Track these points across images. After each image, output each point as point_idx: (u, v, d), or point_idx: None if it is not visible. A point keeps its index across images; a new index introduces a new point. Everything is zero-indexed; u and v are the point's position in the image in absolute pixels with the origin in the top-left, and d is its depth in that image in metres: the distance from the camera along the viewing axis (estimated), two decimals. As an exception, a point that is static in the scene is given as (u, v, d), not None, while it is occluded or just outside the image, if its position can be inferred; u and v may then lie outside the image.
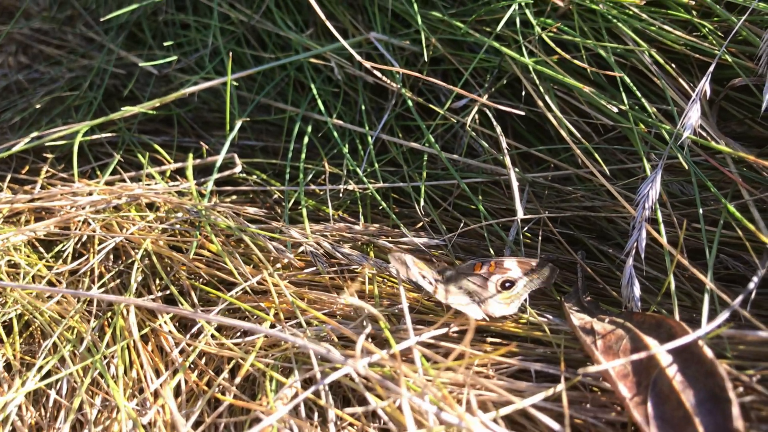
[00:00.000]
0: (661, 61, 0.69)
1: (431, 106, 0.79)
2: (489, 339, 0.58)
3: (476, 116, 0.78)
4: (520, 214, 0.64)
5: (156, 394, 0.57)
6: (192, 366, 0.60)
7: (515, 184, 0.67)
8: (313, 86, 0.85)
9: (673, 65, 0.71)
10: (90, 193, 0.76)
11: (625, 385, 0.48)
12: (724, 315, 0.50)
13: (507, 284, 0.62)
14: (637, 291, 0.57)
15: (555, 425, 0.46)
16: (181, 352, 0.61)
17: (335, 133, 0.81)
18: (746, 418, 0.47)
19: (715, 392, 0.46)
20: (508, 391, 0.52)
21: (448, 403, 0.45)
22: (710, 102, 0.71)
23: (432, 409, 0.45)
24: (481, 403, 0.51)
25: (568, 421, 0.46)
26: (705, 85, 0.63)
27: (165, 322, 0.63)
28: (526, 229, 0.70)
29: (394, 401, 0.48)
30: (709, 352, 0.48)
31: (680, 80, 0.70)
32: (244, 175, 0.82)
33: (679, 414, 0.45)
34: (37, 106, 0.92)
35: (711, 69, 0.64)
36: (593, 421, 0.49)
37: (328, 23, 0.78)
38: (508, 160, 0.69)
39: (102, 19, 0.94)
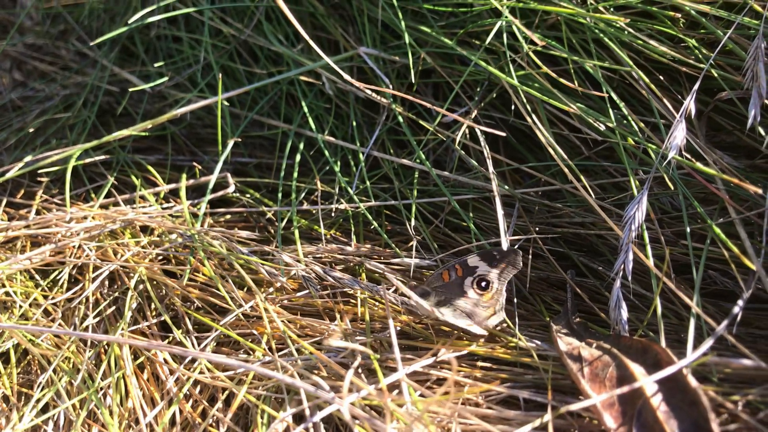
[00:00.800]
0: (646, 80, 0.69)
1: (421, 122, 0.79)
2: (480, 363, 0.59)
3: (466, 131, 0.78)
4: (505, 245, 0.65)
5: (151, 427, 0.58)
6: (187, 395, 0.61)
7: (500, 213, 0.67)
8: (303, 104, 0.85)
9: (662, 76, 0.71)
10: (84, 218, 0.77)
11: (611, 415, 0.49)
12: (709, 342, 0.50)
13: (483, 284, 0.63)
14: (624, 314, 0.58)
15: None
16: (176, 380, 0.62)
17: (326, 152, 0.81)
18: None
19: (699, 423, 0.46)
20: (497, 420, 0.52)
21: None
22: (699, 113, 0.71)
23: (418, 447, 0.46)
24: (471, 432, 0.52)
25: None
26: (690, 103, 0.63)
27: (160, 350, 0.64)
28: (516, 246, 0.71)
29: (381, 437, 0.49)
30: (693, 381, 0.48)
31: (668, 93, 0.71)
32: (238, 194, 0.82)
33: (663, 445, 0.46)
34: (30, 131, 0.92)
35: (696, 87, 0.64)
36: (580, 450, 0.50)
37: (313, 44, 0.78)
38: (495, 186, 0.69)
39: (92, 44, 0.94)
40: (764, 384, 0.50)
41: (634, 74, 0.70)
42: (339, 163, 0.82)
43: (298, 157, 0.83)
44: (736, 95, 0.67)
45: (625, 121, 0.70)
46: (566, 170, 0.68)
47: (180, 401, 0.60)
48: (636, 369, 0.51)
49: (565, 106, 0.69)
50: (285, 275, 0.68)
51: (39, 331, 0.62)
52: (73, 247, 0.74)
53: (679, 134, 0.62)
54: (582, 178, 0.69)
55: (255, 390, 0.58)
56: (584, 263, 0.70)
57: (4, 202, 0.83)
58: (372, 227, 0.75)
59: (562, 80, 0.70)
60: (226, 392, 0.60)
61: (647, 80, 0.68)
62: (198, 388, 0.62)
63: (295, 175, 0.81)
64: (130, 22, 0.86)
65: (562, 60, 0.76)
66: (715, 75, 0.67)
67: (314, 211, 0.78)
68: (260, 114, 0.91)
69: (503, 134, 0.71)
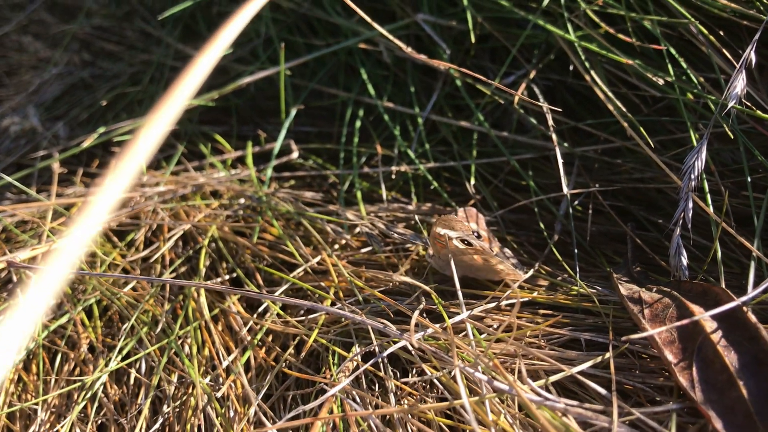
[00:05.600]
0: (705, 31, 0.69)
1: (478, 86, 0.81)
2: (541, 311, 0.60)
3: (525, 92, 0.79)
4: (566, 190, 0.66)
5: (228, 371, 0.61)
6: (260, 343, 0.64)
7: (560, 161, 0.68)
8: (363, 71, 0.87)
9: (721, 32, 0.71)
10: (157, 184, 0.81)
11: (671, 351, 0.50)
12: (769, 281, 0.51)
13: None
14: (684, 260, 0.58)
15: (602, 390, 0.48)
16: (249, 330, 0.65)
17: (386, 117, 0.83)
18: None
19: (759, 356, 0.47)
20: (559, 360, 0.54)
21: (500, 371, 0.48)
22: (761, 67, 0.71)
23: (484, 378, 0.48)
24: (533, 372, 0.53)
25: (615, 386, 0.48)
26: (750, 53, 0.63)
27: (233, 303, 0.67)
28: (576, 202, 0.72)
29: (448, 372, 0.51)
30: (753, 318, 0.49)
31: (729, 48, 0.71)
32: (301, 160, 0.85)
33: (723, 377, 0.47)
34: (103, 104, 0.97)
35: (757, 36, 0.64)
36: (641, 386, 0.51)
37: (362, 14, 0.80)
38: (554, 137, 0.70)
39: (159, 18, 0.98)
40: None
41: (692, 29, 0.70)
42: (398, 127, 0.84)
43: (358, 124, 0.85)
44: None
45: (683, 77, 0.70)
46: (625, 125, 0.69)
47: (254, 348, 0.63)
48: (696, 309, 0.52)
49: (621, 58, 0.70)
50: (349, 233, 0.71)
51: (124, 277, 0.66)
52: (148, 211, 0.78)
53: (739, 84, 0.62)
54: (643, 131, 0.69)
55: (325, 335, 0.61)
56: (644, 216, 0.71)
57: (80, 172, 0.88)
58: (432, 187, 0.77)
59: (620, 36, 0.71)
60: (297, 339, 0.62)
61: (706, 32, 0.68)
62: (270, 337, 0.65)
63: (356, 140, 0.83)
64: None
65: (619, 19, 0.76)
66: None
67: (375, 174, 0.81)
68: (320, 84, 0.93)
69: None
